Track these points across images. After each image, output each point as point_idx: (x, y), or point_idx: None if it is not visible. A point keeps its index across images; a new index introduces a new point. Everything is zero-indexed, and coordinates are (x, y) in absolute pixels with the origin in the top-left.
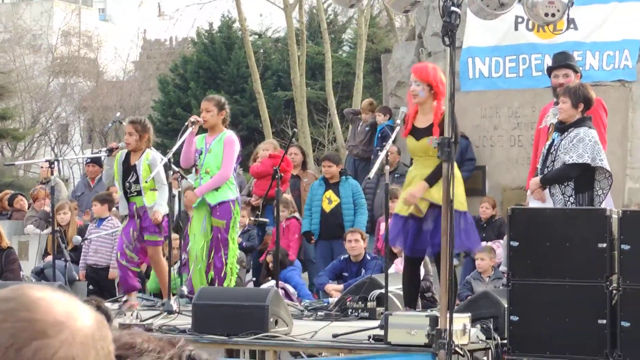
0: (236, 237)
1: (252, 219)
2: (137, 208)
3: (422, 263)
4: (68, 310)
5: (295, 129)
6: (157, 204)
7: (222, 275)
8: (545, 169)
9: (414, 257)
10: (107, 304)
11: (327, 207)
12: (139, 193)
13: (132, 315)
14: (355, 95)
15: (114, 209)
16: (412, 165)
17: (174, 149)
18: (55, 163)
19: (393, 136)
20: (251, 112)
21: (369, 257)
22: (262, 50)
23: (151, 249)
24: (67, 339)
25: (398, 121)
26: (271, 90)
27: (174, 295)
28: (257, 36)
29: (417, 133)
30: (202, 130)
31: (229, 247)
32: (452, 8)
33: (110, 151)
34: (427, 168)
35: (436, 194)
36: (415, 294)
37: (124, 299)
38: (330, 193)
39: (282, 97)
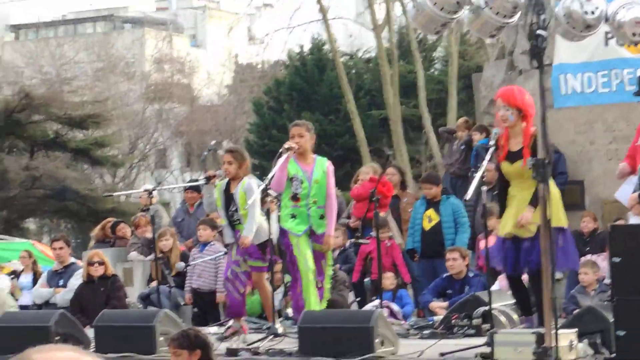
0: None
1: (353, 240)
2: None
3: None
4: None
5: (389, 152)
6: (246, 229)
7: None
8: None
9: (514, 275)
10: (211, 329)
11: (427, 226)
12: (241, 222)
13: (238, 339)
14: (450, 113)
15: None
16: (511, 187)
17: (270, 175)
18: (154, 191)
19: (488, 156)
20: (346, 132)
21: (471, 275)
22: (354, 71)
23: (255, 274)
24: None
25: (491, 142)
26: (365, 110)
27: (280, 317)
28: (348, 57)
29: (510, 157)
30: None
31: (325, 272)
32: (539, 31)
33: (208, 179)
34: (524, 190)
35: (533, 226)
36: (525, 301)
37: (230, 323)
38: (431, 212)
39: (376, 116)
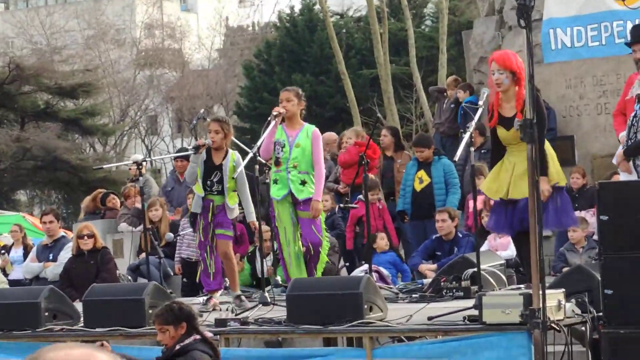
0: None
1: (342, 205)
2: (215, 206)
3: None
4: None
5: (378, 115)
6: (249, 213)
7: (315, 264)
8: (629, 141)
9: (514, 235)
10: (201, 299)
11: (418, 187)
12: (219, 193)
13: (227, 309)
14: (440, 70)
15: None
16: (508, 153)
17: (259, 143)
18: (143, 163)
19: (476, 117)
20: (337, 93)
21: (460, 235)
22: (344, 30)
23: (222, 242)
24: None
25: (481, 102)
26: (356, 70)
27: (268, 286)
28: (338, 16)
29: (505, 122)
30: None
31: (322, 239)
32: None
33: (197, 149)
34: (523, 153)
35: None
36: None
37: (206, 297)
38: (422, 173)
39: (367, 76)
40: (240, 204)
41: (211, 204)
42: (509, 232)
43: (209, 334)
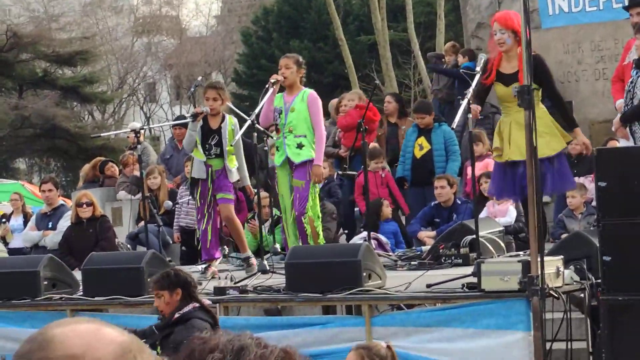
0: (316, 195)
1: (340, 172)
2: (214, 170)
3: (514, 205)
4: (86, 342)
5: (377, 81)
6: (243, 177)
7: (305, 234)
8: (626, 107)
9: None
10: (200, 267)
11: (418, 154)
12: (218, 156)
13: (225, 278)
14: (438, 36)
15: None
16: (503, 112)
17: (257, 110)
18: (141, 131)
19: (474, 84)
20: (335, 59)
21: (459, 202)
22: None
23: (223, 206)
24: None
25: (478, 69)
26: (354, 36)
27: (267, 253)
28: None
29: (505, 79)
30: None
31: (307, 207)
32: None
33: (195, 117)
34: (520, 112)
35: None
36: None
37: (204, 265)
38: (422, 139)
39: (365, 42)
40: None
41: (210, 168)
42: (514, 199)
43: (207, 302)
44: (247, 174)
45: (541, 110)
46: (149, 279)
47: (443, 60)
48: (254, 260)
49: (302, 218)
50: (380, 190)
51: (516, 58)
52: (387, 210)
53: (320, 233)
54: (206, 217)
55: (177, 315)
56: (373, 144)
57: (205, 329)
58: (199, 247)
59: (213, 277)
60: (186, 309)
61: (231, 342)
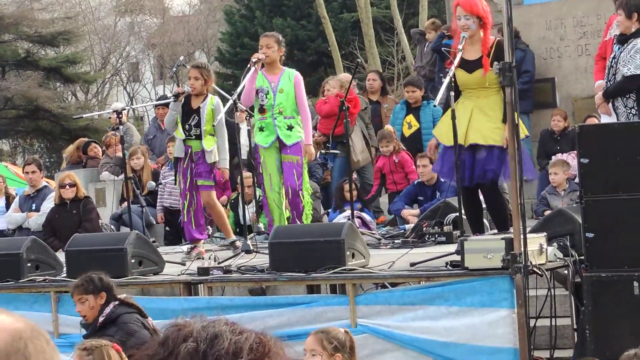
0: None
1: (323, 151)
2: (193, 152)
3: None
4: None
5: (359, 59)
6: (222, 159)
7: (301, 209)
8: (608, 83)
9: (471, 186)
10: (184, 247)
11: (407, 132)
12: (197, 137)
13: (209, 258)
14: (421, 13)
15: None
16: (463, 97)
17: (239, 89)
18: (123, 111)
19: (456, 62)
20: (318, 37)
21: (442, 180)
22: None
23: (205, 193)
24: None
25: (460, 47)
26: (337, 13)
27: (250, 233)
28: None
29: (467, 65)
30: None
31: (303, 180)
32: None
33: (177, 96)
34: (481, 99)
35: (494, 134)
36: (479, 219)
37: (190, 246)
38: (410, 117)
39: (348, 19)
40: None
41: (189, 149)
42: (463, 182)
43: (123, 295)
44: (227, 156)
45: (500, 98)
46: (132, 260)
47: (425, 36)
48: (239, 244)
49: (300, 193)
50: (395, 176)
51: (479, 43)
52: (346, 194)
53: (310, 210)
54: (188, 197)
55: (101, 319)
56: (388, 127)
57: (136, 321)
58: (182, 228)
59: (199, 258)
60: (108, 310)
61: (205, 330)
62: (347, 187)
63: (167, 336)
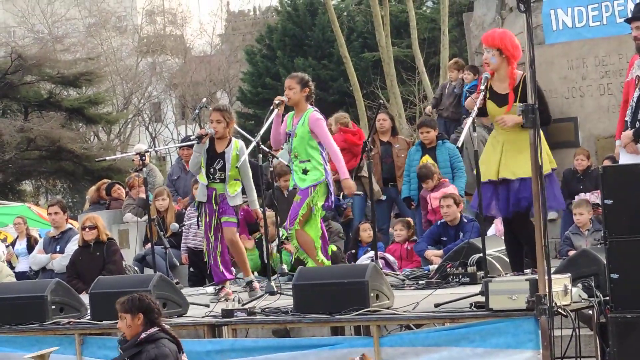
0: (318, 216)
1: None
2: (217, 194)
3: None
4: None
5: (382, 100)
6: (251, 201)
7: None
8: (637, 122)
9: (509, 217)
10: (208, 289)
11: None
12: (222, 180)
13: (233, 299)
14: (442, 52)
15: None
16: (495, 131)
17: (262, 131)
18: (146, 153)
19: (478, 103)
20: (340, 76)
21: (465, 220)
22: (345, 14)
23: (227, 229)
24: None
25: (482, 87)
26: (358, 53)
27: (274, 274)
28: None
29: (497, 99)
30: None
31: (295, 221)
32: None
33: (200, 138)
34: (510, 134)
35: (525, 166)
36: (519, 257)
37: (219, 287)
38: (427, 158)
39: (369, 59)
40: (244, 192)
41: (214, 192)
42: (501, 214)
43: (167, 326)
44: (255, 197)
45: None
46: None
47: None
48: (256, 284)
49: (289, 229)
50: (437, 216)
51: (507, 79)
52: (364, 234)
53: (320, 254)
54: (212, 239)
55: (143, 335)
56: (424, 163)
57: (173, 351)
58: (208, 270)
59: (227, 299)
60: (152, 331)
61: None
62: (363, 227)
63: None
